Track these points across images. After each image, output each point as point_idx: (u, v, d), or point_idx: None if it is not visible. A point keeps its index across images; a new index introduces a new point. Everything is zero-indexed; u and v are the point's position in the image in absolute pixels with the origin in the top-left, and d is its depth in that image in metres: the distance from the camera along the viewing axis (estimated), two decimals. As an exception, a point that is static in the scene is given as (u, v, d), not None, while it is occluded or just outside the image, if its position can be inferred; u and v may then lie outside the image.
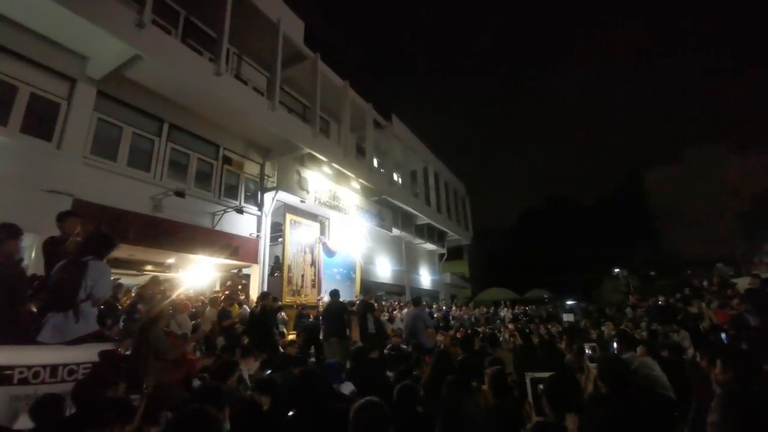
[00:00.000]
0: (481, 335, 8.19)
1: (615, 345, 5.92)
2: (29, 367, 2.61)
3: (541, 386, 2.27)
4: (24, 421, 2.31)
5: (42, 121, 6.69)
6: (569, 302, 25.20)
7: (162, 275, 8.24)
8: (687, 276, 17.31)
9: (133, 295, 6.33)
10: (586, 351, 3.66)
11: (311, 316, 9.02)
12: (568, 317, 15.75)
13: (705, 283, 12.40)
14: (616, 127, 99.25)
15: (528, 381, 2.47)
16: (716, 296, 9.80)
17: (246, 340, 6.17)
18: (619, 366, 2.49)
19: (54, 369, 2.71)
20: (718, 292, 10.51)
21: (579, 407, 1.90)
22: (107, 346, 2.98)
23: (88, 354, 2.84)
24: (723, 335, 5.98)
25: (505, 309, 17.41)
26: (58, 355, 2.76)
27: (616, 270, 32.49)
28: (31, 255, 5.42)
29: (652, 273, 31.93)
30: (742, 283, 10.07)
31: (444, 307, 15.28)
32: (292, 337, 8.06)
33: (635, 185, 45.94)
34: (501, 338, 8.02)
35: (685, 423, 2.88)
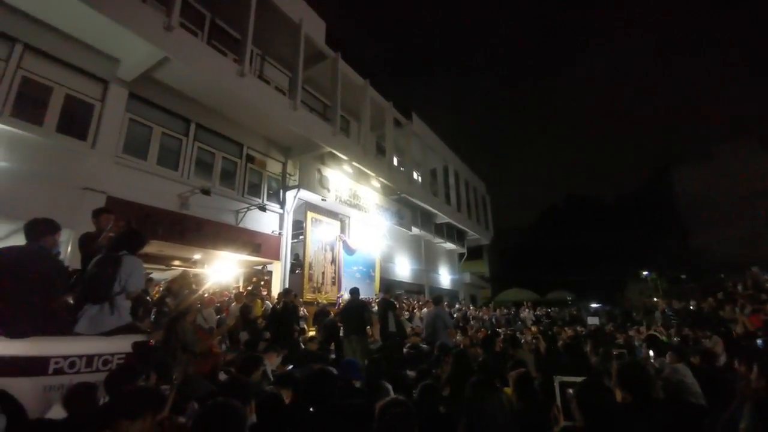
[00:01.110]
0: (502, 336, 8.07)
1: (644, 350, 5.74)
2: (65, 357, 2.69)
3: (570, 390, 2.22)
4: (57, 411, 2.34)
5: (76, 121, 6.99)
6: (594, 305, 24.52)
7: (189, 270, 8.49)
8: (719, 279, 16.55)
9: (161, 289, 6.55)
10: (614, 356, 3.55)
11: (331, 314, 9.11)
12: (592, 320, 15.33)
13: (739, 286, 11.85)
14: (641, 124, 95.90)
15: (556, 384, 2.41)
16: (750, 300, 9.35)
17: (267, 336, 6.30)
18: (637, 372, 2.41)
19: (90, 359, 2.80)
20: (752, 296, 10.03)
21: (611, 414, 1.84)
22: (139, 338, 3.08)
23: (121, 345, 2.93)
24: (759, 341, 5.70)
25: (527, 310, 17.09)
26: (93, 345, 2.85)
27: (645, 273, 31.32)
28: (67, 250, 5.68)
29: (683, 276, 30.66)
30: (781, 287, 9.57)
31: (463, 308, 15.13)
32: (311, 333, 8.16)
33: (662, 183, 44.18)
34: (522, 340, 7.88)
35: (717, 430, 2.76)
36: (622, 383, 2.27)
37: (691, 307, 11.20)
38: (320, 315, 8.68)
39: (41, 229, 3.02)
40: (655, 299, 23.45)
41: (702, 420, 3.42)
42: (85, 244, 3.61)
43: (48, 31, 6.62)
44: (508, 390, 2.88)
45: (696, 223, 37.53)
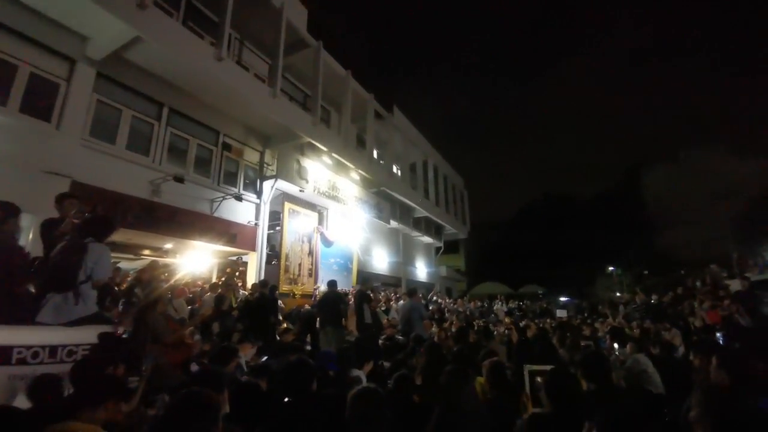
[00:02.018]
0: (475, 328, 8.26)
1: (608, 341, 6.01)
2: (28, 347, 2.61)
3: (539, 379, 2.32)
4: (22, 401, 2.30)
5: (41, 101, 6.61)
6: (562, 299, 25.43)
7: (160, 260, 8.24)
8: (680, 275, 17.47)
9: (130, 278, 6.33)
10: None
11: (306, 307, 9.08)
12: (561, 313, 15.91)
13: (698, 283, 12.53)
14: (616, 125, 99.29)
15: (526, 373, 2.51)
16: (708, 297, 9.91)
17: (240, 327, 6.21)
18: (598, 361, 2.54)
19: (53, 349, 2.71)
20: (710, 292, 10.63)
21: (577, 401, 1.93)
22: (106, 329, 2.99)
23: (87, 335, 2.84)
24: (719, 335, 6.07)
25: (500, 303, 17.55)
26: (57, 335, 2.76)
27: (611, 268, 32.72)
28: (28, 236, 5.40)
29: (646, 271, 32.19)
30: (735, 285, 10.19)
31: (439, 300, 15.37)
32: (285, 326, 8.11)
33: (633, 183, 46.06)
34: (495, 332, 8.09)
35: (677, 419, 2.94)
36: (585, 372, 2.39)
37: (653, 301, 11.76)
38: (294, 313, 8.61)
39: (2, 214, 2.87)
40: (618, 294, 24.57)
41: (661, 408, 3.63)
42: (48, 230, 3.44)
43: (11, 4, 6.19)
44: (481, 379, 2.97)
45: (661, 222, 39.40)
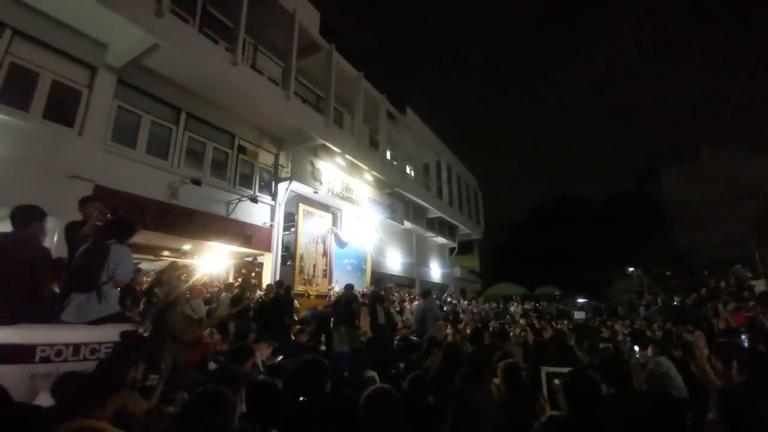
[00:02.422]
0: (490, 329, 8.18)
1: (628, 344, 5.87)
2: (52, 346, 2.66)
3: (557, 381, 2.27)
4: (43, 399, 2.34)
5: (64, 107, 6.83)
6: (580, 300, 24.93)
7: (179, 261, 8.42)
8: (703, 276, 16.95)
9: (150, 279, 6.49)
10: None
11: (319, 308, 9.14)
12: (579, 315, 15.61)
13: (722, 284, 12.15)
14: (632, 124, 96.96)
15: (543, 375, 2.46)
16: (733, 298, 9.60)
17: (255, 327, 6.30)
18: (618, 364, 2.48)
19: (77, 348, 2.76)
20: (734, 293, 10.29)
21: (596, 404, 1.89)
22: (128, 327, 3.06)
23: (109, 334, 2.90)
24: (743, 337, 5.86)
25: (515, 304, 17.33)
26: (80, 334, 2.82)
27: (630, 269, 31.92)
28: (53, 238, 5.58)
29: (667, 273, 31.30)
30: (760, 285, 9.84)
31: (453, 301, 15.28)
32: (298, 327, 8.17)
33: (651, 183, 44.92)
34: (511, 333, 7.99)
35: (700, 423, 2.85)
36: (604, 375, 2.34)
37: (675, 303, 11.45)
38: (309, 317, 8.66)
39: (27, 216, 2.97)
40: (638, 295, 23.96)
41: (684, 412, 3.52)
42: (72, 232, 3.55)
43: (36, 16, 6.43)
44: (497, 380, 2.93)
45: (682, 222, 38.31)
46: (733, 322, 7.67)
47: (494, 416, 2.21)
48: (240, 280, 8.17)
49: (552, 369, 2.53)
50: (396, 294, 12.32)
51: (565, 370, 2.34)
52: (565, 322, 13.19)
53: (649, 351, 4.72)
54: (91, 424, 1.77)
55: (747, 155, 36.09)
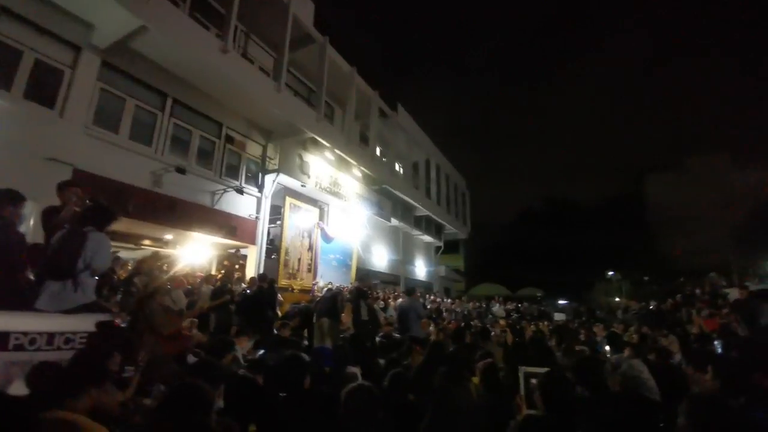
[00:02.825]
0: (472, 329, 8.26)
1: (606, 347, 6.00)
2: (25, 334, 2.60)
3: (534, 381, 2.31)
4: (18, 387, 2.30)
5: (45, 88, 6.61)
6: (561, 302, 25.44)
7: (160, 251, 8.25)
8: (679, 283, 17.47)
9: (130, 268, 6.34)
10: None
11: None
12: (559, 316, 15.94)
13: (697, 291, 12.53)
14: (622, 131, 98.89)
15: (521, 375, 2.50)
16: (707, 305, 9.91)
17: (237, 321, 6.24)
18: (591, 366, 2.54)
19: (51, 336, 2.70)
20: (709, 300, 10.63)
21: (571, 404, 1.94)
22: (104, 317, 2.99)
23: (85, 323, 2.84)
24: (716, 344, 6.05)
25: (497, 305, 17.55)
26: (55, 322, 2.76)
27: (610, 273, 32.70)
28: (30, 223, 5.40)
29: (646, 278, 32.16)
30: (734, 293, 10.17)
31: (438, 300, 15.39)
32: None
33: (635, 190, 45.99)
34: (492, 333, 8.09)
35: (672, 426, 2.94)
36: (579, 377, 2.39)
37: (651, 308, 11.77)
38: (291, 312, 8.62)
39: (2, 200, 2.87)
40: (617, 299, 24.56)
41: (657, 414, 3.62)
42: (49, 217, 3.44)
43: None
44: (476, 380, 2.97)
45: (663, 229, 39.36)
46: (706, 327, 7.93)
47: (472, 415, 2.24)
48: (223, 272, 8.05)
49: (530, 369, 2.57)
50: (380, 292, 12.34)
51: (543, 370, 2.38)
52: (545, 323, 13.42)
53: (625, 353, 4.83)
54: (65, 416, 1.73)
55: (730, 165, 37.23)
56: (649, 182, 43.89)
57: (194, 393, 1.76)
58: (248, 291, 7.38)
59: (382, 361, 4.44)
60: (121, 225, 7.64)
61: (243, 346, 4.53)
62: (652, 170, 44.82)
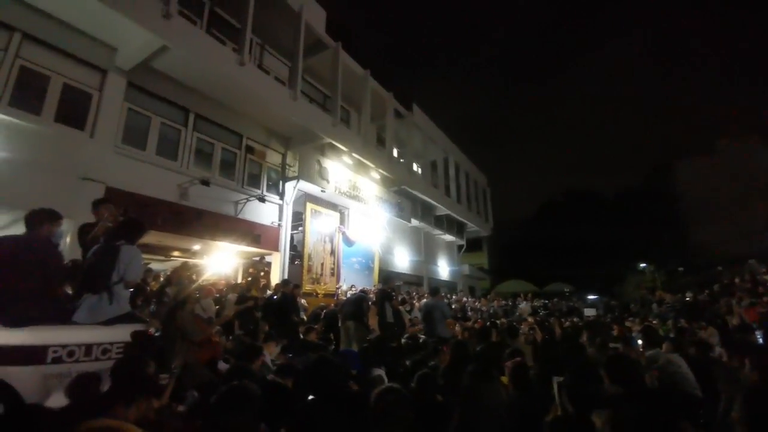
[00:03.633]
0: (499, 327, 8.12)
1: (640, 342, 5.79)
2: (64, 346, 2.69)
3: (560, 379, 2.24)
4: (56, 400, 2.35)
5: (75, 110, 6.95)
6: (591, 297, 24.66)
7: (189, 261, 8.52)
8: (717, 272, 16.62)
9: (162, 279, 6.57)
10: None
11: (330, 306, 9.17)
12: (589, 311, 15.43)
13: (736, 279, 11.90)
14: (645, 118, 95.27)
15: (555, 385, 2.37)
16: (747, 293, 9.41)
17: (266, 327, 6.34)
18: (625, 363, 2.43)
19: (89, 348, 2.81)
20: (749, 289, 10.09)
21: (602, 402, 1.87)
22: (139, 327, 3.10)
23: (121, 334, 2.95)
24: (758, 334, 5.73)
25: (524, 302, 17.18)
26: (92, 334, 2.86)
27: (642, 265, 31.48)
28: (66, 240, 5.68)
29: (680, 268, 30.78)
30: (777, 280, 9.62)
31: (464, 299, 15.22)
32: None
33: (663, 177, 44.12)
34: (520, 330, 7.93)
35: (713, 421, 2.81)
36: (610, 375, 2.30)
37: (687, 299, 11.26)
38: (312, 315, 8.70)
39: (40, 218, 3.03)
40: (652, 291, 23.59)
41: (697, 410, 3.46)
42: (85, 234, 3.61)
43: (46, 20, 6.54)
44: (505, 379, 2.92)
45: (695, 217, 37.58)
46: (747, 317, 7.52)
47: (502, 414, 2.20)
48: (248, 279, 8.24)
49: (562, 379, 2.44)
50: (406, 294, 12.29)
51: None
52: (575, 319, 13.04)
53: (663, 348, 4.64)
54: (114, 424, 1.79)
55: (762, 147, 35.25)
56: (679, 169, 42.00)
57: (246, 393, 1.84)
58: (274, 297, 7.51)
59: (408, 363, 4.43)
60: (151, 238, 7.96)
61: (271, 352, 4.61)
62: (680, 157, 42.94)
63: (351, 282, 11.54)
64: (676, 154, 44.22)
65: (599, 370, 2.49)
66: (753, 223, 31.33)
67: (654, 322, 9.74)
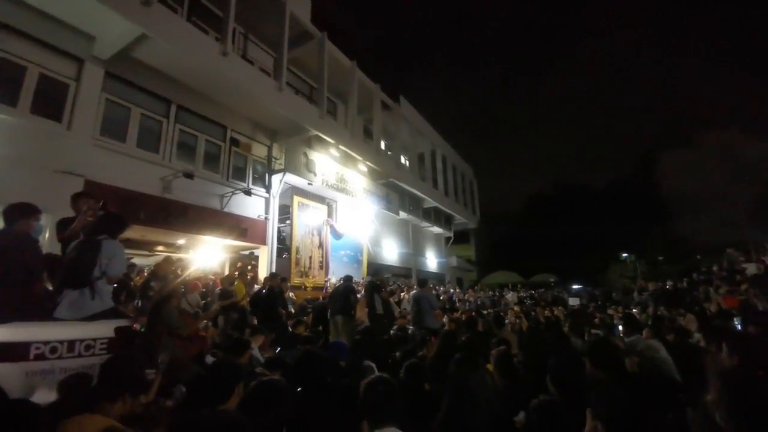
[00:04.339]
0: (485, 317, 8.25)
1: (621, 328, 5.96)
2: (46, 343, 2.66)
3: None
4: (41, 395, 2.35)
5: (51, 102, 6.72)
6: (575, 286, 25.21)
7: (174, 256, 8.38)
8: (696, 261, 17.15)
9: (146, 274, 6.46)
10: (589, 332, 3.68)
11: (320, 299, 9.16)
12: (573, 301, 15.79)
13: (714, 268, 12.30)
14: (628, 112, 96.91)
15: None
16: (725, 281, 9.74)
17: (254, 320, 6.32)
18: (606, 348, 2.51)
19: (71, 344, 2.76)
20: (727, 277, 10.44)
21: (583, 387, 1.93)
22: (122, 323, 3.05)
23: (104, 329, 2.90)
24: (736, 321, 5.95)
25: (511, 292, 17.49)
26: (74, 330, 2.81)
27: (624, 254, 32.32)
28: (45, 235, 5.53)
29: (660, 258, 31.69)
30: (753, 269, 9.98)
31: (451, 290, 15.40)
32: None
33: (646, 169, 45.19)
34: (506, 320, 8.07)
35: (693, 406, 2.90)
36: (593, 360, 2.37)
37: (668, 287, 11.61)
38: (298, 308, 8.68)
39: (18, 213, 2.94)
40: (634, 280, 24.26)
41: (676, 394, 3.58)
42: (64, 229, 3.52)
43: (20, 8, 6.27)
44: (490, 367, 2.97)
45: (676, 207, 38.66)
46: (725, 304, 7.80)
47: (489, 402, 2.25)
48: (236, 274, 8.16)
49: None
50: (392, 285, 12.36)
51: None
52: (560, 308, 13.34)
53: (644, 334, 4.79)
54: (96, 419, 1.78)
55: (741, 138, 36.33)
56: (660, 161, 43.07)
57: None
58: (263, 291, 7.47)
59: (397, 354, 4.47)
60: (134, 232, 7.79)
61: (259, 344, 4.60)
62: (662, 149, 44.01)
63: (340, 275, 11.53)
64: (660, 147, 45.24)
65: (582, 357, 2.56)
66: (731, 214, 32.36)
67: (635, 310, 10.03)
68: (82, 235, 3.19)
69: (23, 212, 2.94)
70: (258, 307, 6.77)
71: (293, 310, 8.47)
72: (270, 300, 6.87)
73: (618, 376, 2.38)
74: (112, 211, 3.55)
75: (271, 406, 1.81)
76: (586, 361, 2.41)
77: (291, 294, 9.16)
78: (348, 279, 7.54)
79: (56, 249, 3.69)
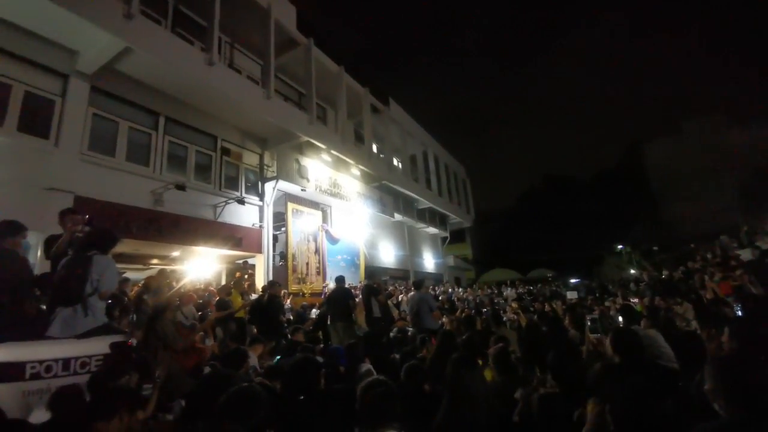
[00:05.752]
0: (484, 315, 8.26)
1: (620, 319, 5.98)
2: (41, 362, 2.64)
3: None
4: (37, 416, 2.31)
5: (38, 119, 6.65)
6: (573, 280, 25.33)
7: (168, 268, 8.31)
8: (690, 249, 17.28)
9: (139, 288, 6.39)
10: (587, 323, 3.68)
11: (316, 304, 9.12)
12: (572, 295, 15.82)
13: (708, 255, 12.40)
14: (615, 103, 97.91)
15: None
16: (719, 268, 9.82)
17: (254, 329, 6.27)
18: (630, 336, 2.53)
19: (66, 362, 2.74)
20: (721, 264, 10.53)
21: (582, 379, 1.93)
22: (117, 338, 3.02)
23: (99, 346, 2.88)
24: (737, 307, 5.98)
25: (509, 289, 17.52)
26: (69, 348, 2.79)
27: (619, 246, 32.53)
28: (37, 253, 5.46)
29: (655, 248, 31.93)
30: (746, 254, 10.07)
31: (450, 290, 15.39)
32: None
33: (634, 160, 45.55)
34: (505, 317, 8.10)
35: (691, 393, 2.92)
36: (615, 347, 2.38)
37: (663, 277, 11.69)
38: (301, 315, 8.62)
39: (4, 232, 2.91)
40: (632, 271, 24.44)
41: (675, 382, 3.60)
42: (52, 246, 3.48)
43: (1, 26, 6.22)
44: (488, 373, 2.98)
45: (667, 196, 39.02)
46: (720, 291, 7.86)
47: (488, 401, 2.24)
48: (232, 283, 8.11)
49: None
50: (391, 287, 12.33)
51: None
52: (559, 302, 13.38)
53: (642, 324, 4.81)
54: None
55: (728, 126, 36.78)
56: (648, 150, 43.42)
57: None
58: (264, 299, 7.41)
59: (397, 356, 4.46)
60: (127, 246, 7.72)
61: (258, 353, 4.56)
62: (650, 138, 44.42)
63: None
64: (647, 135, 45.71)
65: (580, 351, 2.57)
66: (722, 200, 32.72)
67: (633, 300, 10.08)
68: (71, 251, 3.16)
69: (9, 230, 2.91)
70: (258, 316, 6.72)
71: (291, 317, 8.43)
72: (270, 308, 6.83)
73: (635, 363, 2.39)
74: (100, 226, 3.52)
75: (247, 414, 1.76)
76: (609, 346, 2.42)
77: (289, 301, 9.11)
78: (340, 280, 7.46)
79: (47, 267, 3.65)
